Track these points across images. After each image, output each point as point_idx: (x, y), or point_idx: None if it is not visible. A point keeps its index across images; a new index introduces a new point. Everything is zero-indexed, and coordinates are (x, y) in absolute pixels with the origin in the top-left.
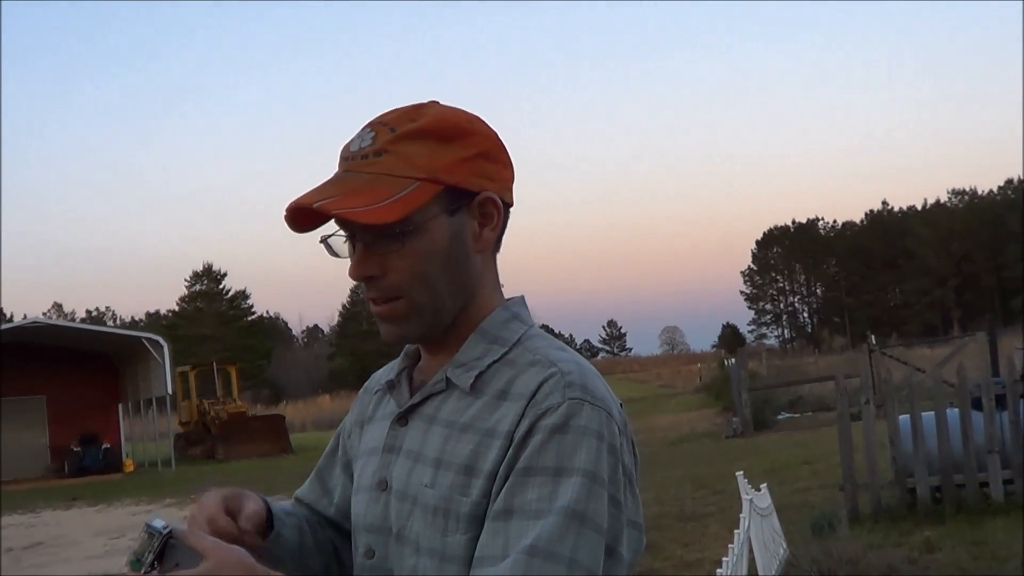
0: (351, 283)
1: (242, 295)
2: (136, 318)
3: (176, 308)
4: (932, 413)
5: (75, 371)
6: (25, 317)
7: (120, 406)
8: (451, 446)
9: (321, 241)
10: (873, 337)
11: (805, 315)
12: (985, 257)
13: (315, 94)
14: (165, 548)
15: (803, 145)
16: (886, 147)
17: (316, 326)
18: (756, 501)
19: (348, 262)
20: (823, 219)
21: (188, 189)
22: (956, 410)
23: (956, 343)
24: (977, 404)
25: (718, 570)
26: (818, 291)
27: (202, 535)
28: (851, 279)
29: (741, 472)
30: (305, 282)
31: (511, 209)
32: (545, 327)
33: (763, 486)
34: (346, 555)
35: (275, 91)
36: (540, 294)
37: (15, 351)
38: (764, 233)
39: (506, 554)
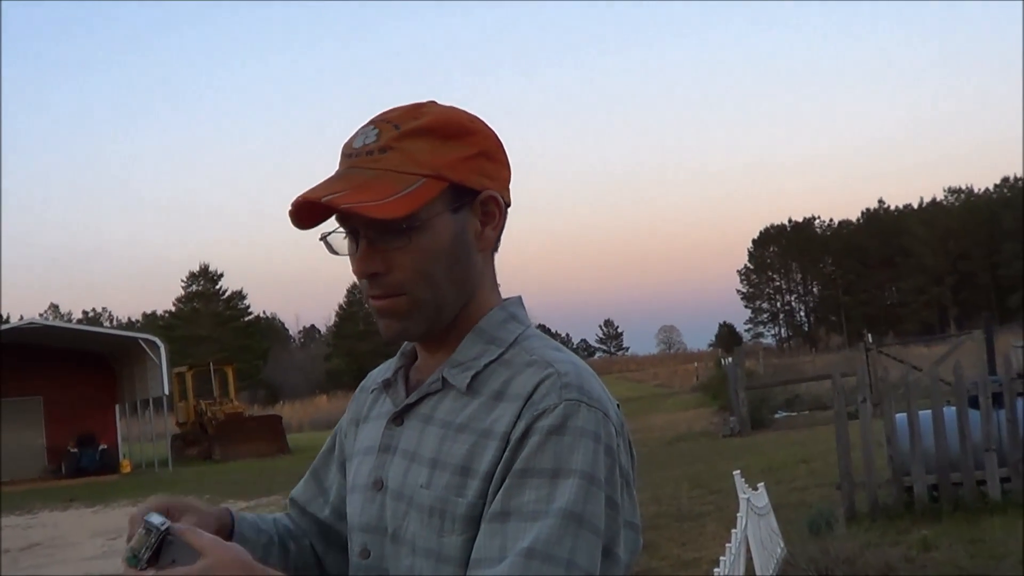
0: (348, 284)
1: (239, 295)
2: (133, 319)
3: (173, 309)
4: (929, 411)
5: (72, 372)
6: (22, 318)
7: (117, 407)
8: (447, 446)
9: (321, 239)
10: (870, 336)
11: (802, 314)
12: (981, 255)
13: (314, 93)
14: (162, 544)
15: (799, 144)
16: (882, 146)
17: (313, 326)
18: (753, 500)
19: (347, 261)
20: (819, 218)
21: (185, 190)
22: (953, 408)
23: (953, 341)
24: (974, 402)
25: (715, 569)
26: (815, 290)
27: (200, 532)
28: (847, 278)
29: (738, 471)
30: (302, 282)
31: (508, 209)
32: (542, 327)
33: (760, 485)
34: (332, 562)
35: (275, 90)
36: (537, 294)
37: (12, 352)
38: (760, 232)
39: (503, 556)
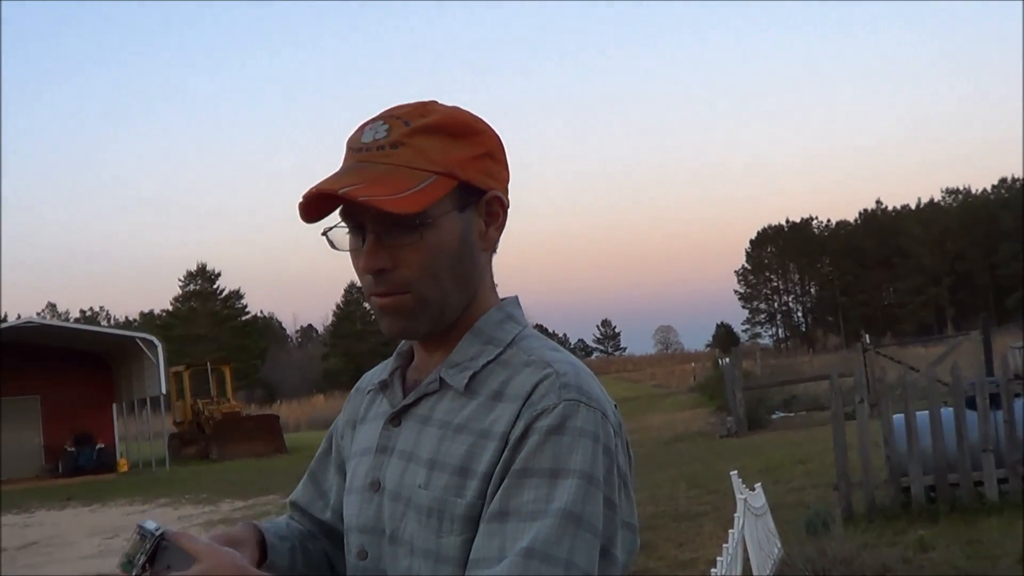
0: (345, 283)
1: (236, 295)
2: (130, 318)
3: (170, 308)
4: (926, 412)
5: (69, 371)
6: (19, 317)
7: (114, 406)
8: (445, 447)
9: (323, 233)
10: (867, 336)
11: (799, 314)
12: (979, 256)
13: (313, 93)
14: (157, 550)
15: (797, 144)
16: (880, 146)
17: (310, 326)
18: (750, 500)
19: (347, 258)
20: (817, 218)
21: (183, 189)
22: (950, 409)
23: (950, 342)
24: (971, 403)
25: (712, 570)
26: (812, 290)
27: (194, 537)
28: (845, 278)
29: (735, 471)
30: (299, 282)
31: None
32: (539, 327)
33: (757, 485)
34: (339, 564)
35: (274, 90)
36: (534, 294)
37: (9, 351)
38: (758, 232)
39: (503, 556)
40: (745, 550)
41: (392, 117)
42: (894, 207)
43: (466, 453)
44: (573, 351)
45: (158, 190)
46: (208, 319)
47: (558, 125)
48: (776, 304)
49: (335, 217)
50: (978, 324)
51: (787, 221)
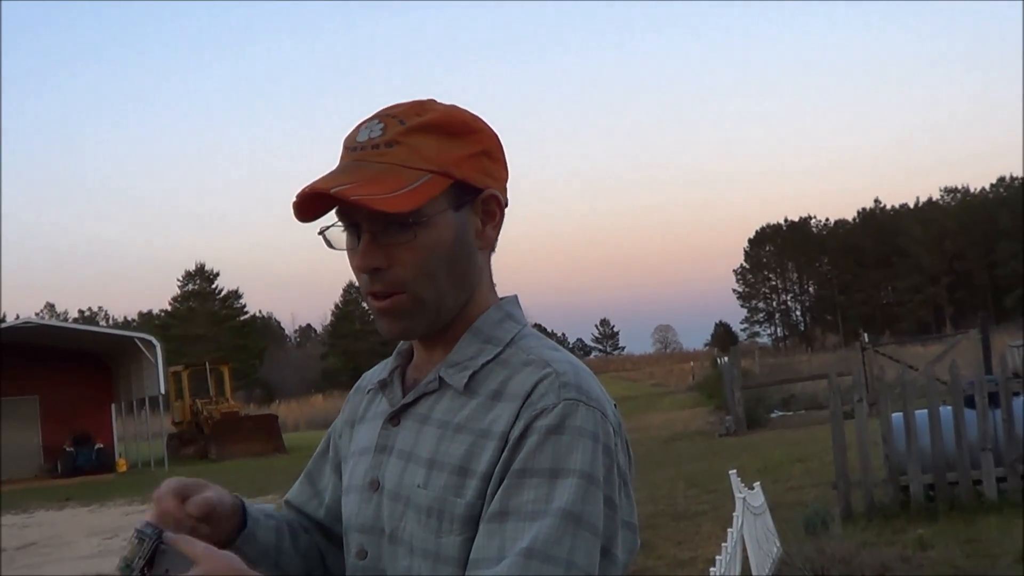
0: (344, 283)
1: (235, 295)
2: (129, 318)
3: (169, 308)
4: (925, 411)
5: (68, 371)
6: (18, 317)
7: (113, 406)
8: (445, 446)
9: (320, 232)
10: (866, 335)
11: (798, 313)
12: (978, 255)
13: (311, 93)
14: (155, 553)
15: (796, 143)
16: (878, 145)
17: (309, 325)
18: (749, 499)
19: (345, 258)
20: (815, 217)
21: (181, 189)
22: (949, 408)
23: (949, 341)
24: (970, 402)
25: (711, 569)
26: (811, 289)
27: (193, 541)
28: (844, 277)
29: (734, 470)
30: (298, 282)
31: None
32: (538, 326)
33: (756, 484)
34: (333, 560)
35: (272, 89)
36: (532, 293)
37: (8, 351)
38: (756, 231)
39: (502, 556)
40: (744, 549)
41: (388, 116)
42: (893, 206)
43: (465, 453)
44: (572, 350)
45: (157, 190)
46: (207, 319)
47: (558, 125)
48: (775, 303)
49: (332, 216)
50: (977, 323)
51: (786, 220)
